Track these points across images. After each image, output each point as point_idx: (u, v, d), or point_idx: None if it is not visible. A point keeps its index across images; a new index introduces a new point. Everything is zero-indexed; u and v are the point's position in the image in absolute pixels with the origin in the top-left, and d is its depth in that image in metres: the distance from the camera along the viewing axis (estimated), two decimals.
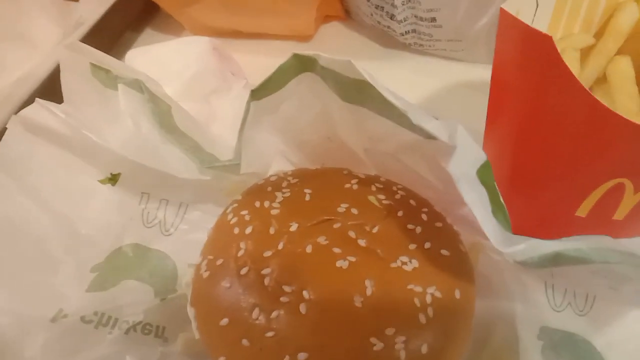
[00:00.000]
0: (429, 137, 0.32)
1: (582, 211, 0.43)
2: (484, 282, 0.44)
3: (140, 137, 0.41)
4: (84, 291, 0.43)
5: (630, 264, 0.29)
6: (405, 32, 0.68)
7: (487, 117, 0.47)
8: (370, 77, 0.34)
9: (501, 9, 0.37)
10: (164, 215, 0.48)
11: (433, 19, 0.64)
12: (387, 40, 0.72)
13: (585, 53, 0.45)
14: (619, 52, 0.44)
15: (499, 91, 0.44)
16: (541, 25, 0.44)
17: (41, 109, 0.41)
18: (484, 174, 0.33)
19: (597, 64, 0.44)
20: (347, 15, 0.76)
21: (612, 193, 0.40)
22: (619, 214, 0.42)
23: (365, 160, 0.46)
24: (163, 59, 0.57)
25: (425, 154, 0.38)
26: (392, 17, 0.66)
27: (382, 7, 0.67)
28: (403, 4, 0.64)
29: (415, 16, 0.65)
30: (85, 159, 0.45)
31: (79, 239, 0.44)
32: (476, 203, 0.31)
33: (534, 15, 0.43)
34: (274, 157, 0.49)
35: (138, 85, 0.42)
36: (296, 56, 0.37)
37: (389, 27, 0.69)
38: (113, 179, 0.46)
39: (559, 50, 0.44)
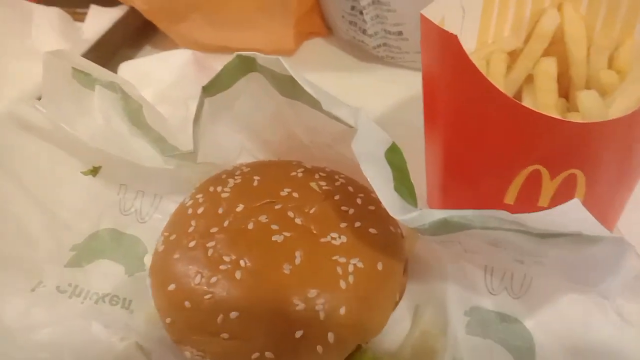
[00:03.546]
0: (339, 121, 0.37)
1: (510, 199, 0.46)
2: (423, 267, 0.48)
3: (109, 130, 0.47)
4: (62, 266, 0.48)
5: (506, 228, 0.33)
6: (377, 45, 0.73)
7: (424, 120, 0.51)
8: (294, 72, 0.39)
9: (421, 13, 0.42)
10: (140, 205, 0.54)
11: (400, 33, 0.69)
12: (363, 54, 0.78)
13: (515, 56, 0.49)
14: (546, 54, 0.48)
15: (430, 95, 0.48)
16: (471, 30, 0.48)
17: (28, 107, 0.48)
18: (392, 157, 0.37)
19: (524, 66, 0.48)
20: (328, 31, 0.82)
21: (531, 180, 0.43)
22: (543, 201, 0.45)
23: (315, 153, 0.51)
24: (148, 69, 0.64)
25: None
26: (364, 31, 0.72)
27: (355, 23, 0.72)
28: (372, 19, 0.69)
29: (385, 30, 0.70)
30: (68, 151, 0.51)
31: (59, 221, 0.50)
32: (375, 177, 0.35)
33: (462, 21, 0.47)
34: (240, 154, 0.54)
35: (113, 87, 0.49)
36: (239, 56, 0.42)
37: (362, 41, 0.74)
38: (94, 171, 0.53)
39: (489, 52, 0.49)
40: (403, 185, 0.37)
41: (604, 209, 0.46)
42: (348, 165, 0.47)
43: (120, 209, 0.53)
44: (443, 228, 0.34)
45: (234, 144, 0.52)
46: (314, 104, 0.40)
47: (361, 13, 0.69)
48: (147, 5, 0.75)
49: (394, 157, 0.37)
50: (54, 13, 0.82)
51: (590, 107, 0.39)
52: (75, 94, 0.47)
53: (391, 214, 0.34)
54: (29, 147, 0.50)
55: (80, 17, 0.87)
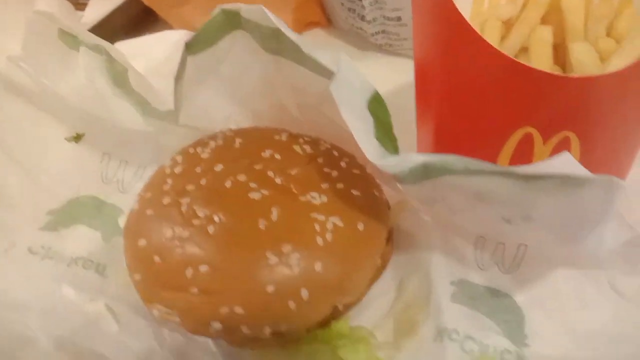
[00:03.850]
0: (322, 68, 0.35)
1: (502, 164, 0.44)
2: (408, 238, 0.45)
3: (92, 89, 0.46)
4: (37, 229, 0.47)
5: (489, 171, 0.31)
6: (376, 32, 0.72)
7: (416, 97, 0.49)
8: (278, 22, 0.37)
9: None
10: (123, 174, 0.52)
11: (399, 18, 0.68)
12: (362, 43, 0.77)
13: (510, 25, 0.48)
14: (543, 22, 0.47)
15: (421, 67, 0.47)
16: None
17: (14, 67, 0.47)
18: (375, 108, 0.36)
19: (520, 34, 0.46)
20: (327, 22, 0.81)
21: (523, 145, 0.42)
22: None
23: (303, 124, 0.49)
24: (142, 47, 0.63)
25: None
26: (362, 18, 0.71)
27: (354, 10, 0.71)
28: (371, 5, 0.68)
29: (383, 16, 0.69)
30: (52, 114, 0.50)
31: (38, 185, 0.48)
32: (355, 123, 0.33)
33: None
34: (227, 123, 0.53)
35: (99, 49, 0.48)
36: (223, 10, 0.41)
37: (361, 28, 0.73)
38: (77, 138, 0.51)
39: (483, 20, 0.48)
40: (386, 137, 0.35)
41: None
42: (337, 133, 0.46)
43: (102, 177, 0.52)
44: (423, 173, 0.32)
45: (221, 113, 0.51)
46: (297, 55, 0.39)
47: None
48: None
49: (378, 108, 0.36)
50: (55, 1, 0.82)
51: (583, 61, 0.37)
52: (60, 53, 0.46)
53: (369, 158, 0.33)
54: (12, 109, 0.49)
55: (82, 7, 0.87)
